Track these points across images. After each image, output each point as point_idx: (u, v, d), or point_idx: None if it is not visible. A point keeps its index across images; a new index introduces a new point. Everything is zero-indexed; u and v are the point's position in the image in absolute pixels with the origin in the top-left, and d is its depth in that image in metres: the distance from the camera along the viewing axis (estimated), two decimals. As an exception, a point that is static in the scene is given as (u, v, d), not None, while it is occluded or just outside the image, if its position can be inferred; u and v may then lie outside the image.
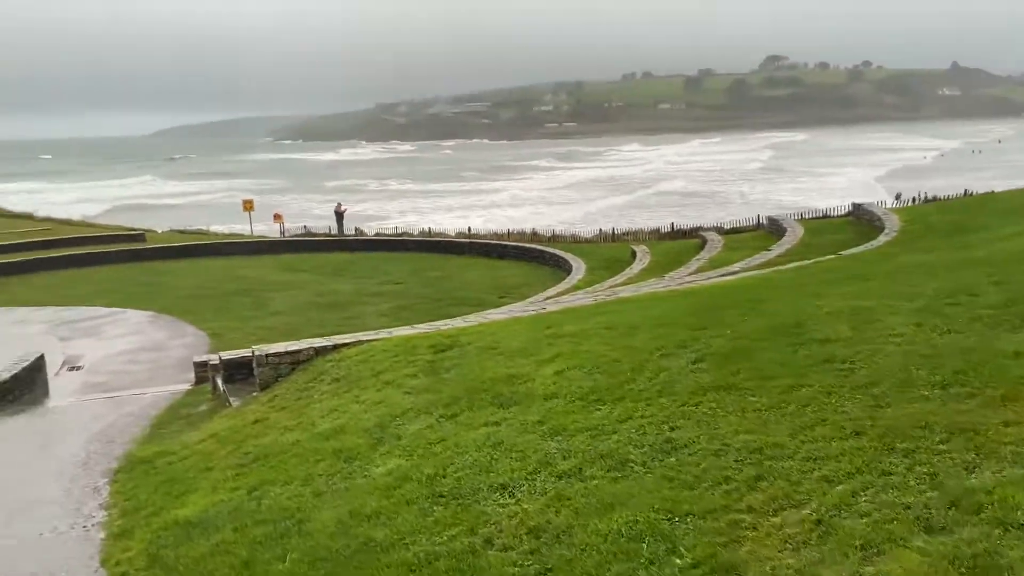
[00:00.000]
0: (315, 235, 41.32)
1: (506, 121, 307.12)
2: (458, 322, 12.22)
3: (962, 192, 30.04)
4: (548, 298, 21.91)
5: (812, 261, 15.33)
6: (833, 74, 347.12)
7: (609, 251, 31.68)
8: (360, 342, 10.90)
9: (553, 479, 4.96)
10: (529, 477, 5.07)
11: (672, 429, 5.25)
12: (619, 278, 22.96)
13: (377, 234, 41.05)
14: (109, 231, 42.28)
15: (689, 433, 5.11)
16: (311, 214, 61.66)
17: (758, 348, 6.67)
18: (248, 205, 41.82)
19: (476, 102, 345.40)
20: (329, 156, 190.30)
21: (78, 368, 17.57)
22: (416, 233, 40.43)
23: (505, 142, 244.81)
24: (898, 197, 33.16)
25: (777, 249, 20.39)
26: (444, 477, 5.43)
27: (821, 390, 5.36)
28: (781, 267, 15.14)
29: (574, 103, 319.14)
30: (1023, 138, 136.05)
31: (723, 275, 16.70)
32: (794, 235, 22.35)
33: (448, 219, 49.07)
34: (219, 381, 12.88)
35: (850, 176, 75.79)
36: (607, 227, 37.41)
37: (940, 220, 19.35)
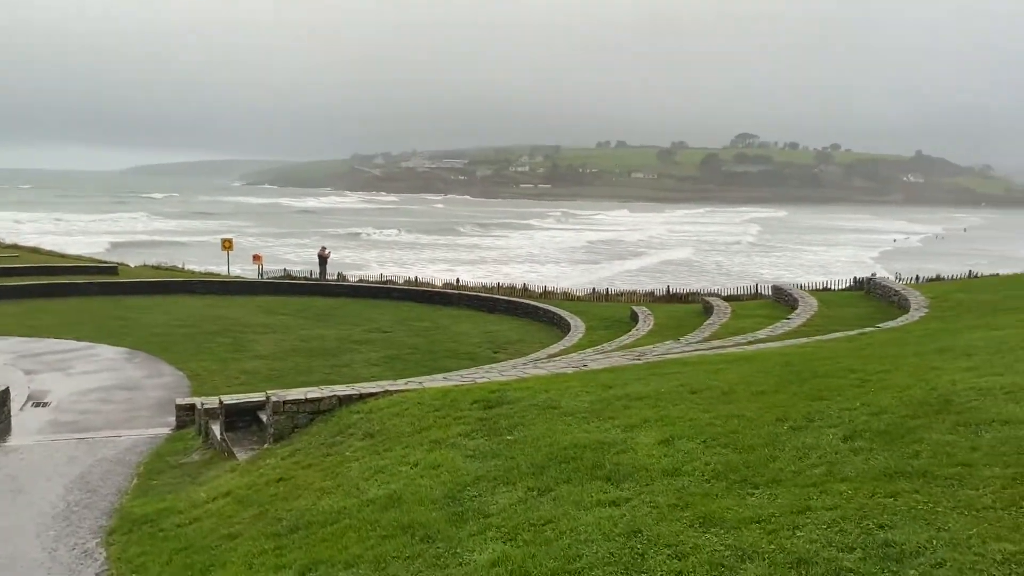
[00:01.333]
0: (295, 278, 39.88)
1: (482, 179, 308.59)
2: (490, 374, 11.00)
3: (966, 273, 29.66)
4: (553, 356, 20.75)
5: (856, 332, 14.38)
6: (802, 154, 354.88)
7: (605, 310, 30.68)
8: (388, 392, 9.64)
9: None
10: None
11: (882, 527, 4.09)
12: (627, 339, 21.88)
13: (360, 281, 39.74)
14: (80, 262, 40.46)
15: (912, 535, 3.94)
16: (285, 258, 60.21)
17: (918, 427, 5.57)
18: (227, 244, 40.36)
19: (453, 159, 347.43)
20: (312, 202, 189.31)
21: (44, 404, 15.98)
22: (401, 282, 39.18)
23: (482, 199, 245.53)
24: (898, 277, 32.77)
25: (797, 319, 19.50)
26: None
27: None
28: (823, 337, 14.16)
29: (550, 166, 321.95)
30: (993, 227, 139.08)
31: (754, 342, 15.71)
32: (809, 305, 21.52)
33: (436, 271, 47.90)
34: (215, 428, 11.51)
35: (844, 254, 75.92)
36: (600, 287, 36.52)
37: (969, 299, 18.62)
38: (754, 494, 4.84)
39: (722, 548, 4.19)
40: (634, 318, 26.98)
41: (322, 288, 37.02)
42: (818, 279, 34.78)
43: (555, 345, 23.94)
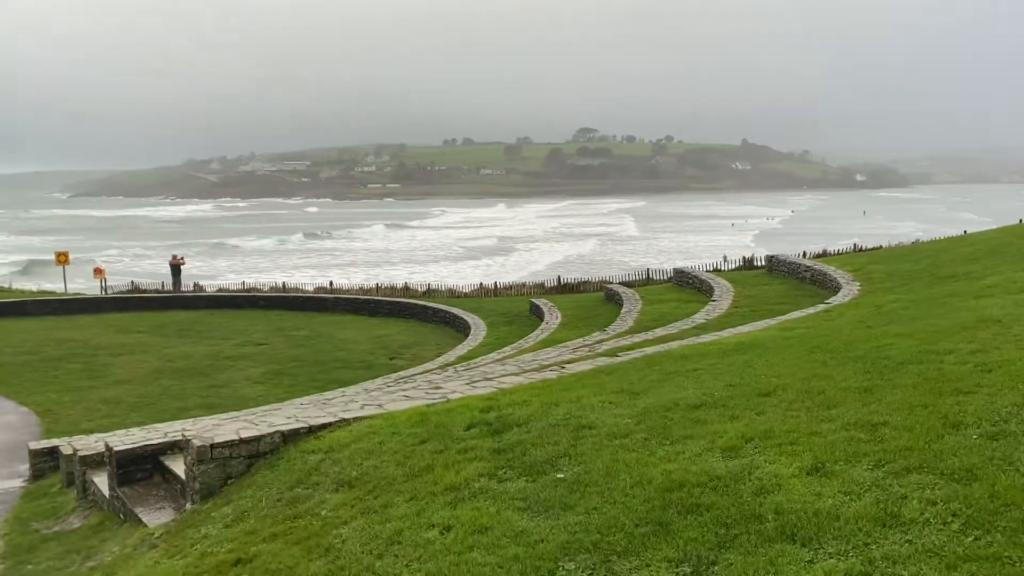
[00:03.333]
0: (145, 292, 35.84)
1: (327, 180, 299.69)
2: (452, 384, 9.01)
3: (846, 248, 30.04)
4: (463, 359, 18.89)
5: (822, 309, 13.36)
6: (639, 146, 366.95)
7: (499, 305, 29.03)
8: (345, 421, 7.51)
9: None
10: None
11: None
12: (540, 333, 20.28)
13: (221, 290, 36.22)
14: None
15: None
16: (130, 271, 54.86)
17: None
18: (63, 258, 35.78)
19: (295, 160, 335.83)
20: (150, 211, 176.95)
21: None
22: (267, 289, 35.97)
23: (338, 201, 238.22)
24: (804, 254, 32.86)
25: (723, 300, 18.50)
26: None
27: None
28: (790, 316, 13.03)
29: (397, 165, 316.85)
30: (826, 207, 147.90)
31: (705, 328, 14.46)
32: (723, 286, 20.65)
33: (304, 277, 44.62)
34: (97, 480, 9.02)
35: (723, 239, 77.13)
36: (487, 282, 34.82)
37: (898, 269, 18.23)
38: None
39: None
40: (535, 311, 25.49)
41: (178, 300, 33.40)
42: (708, 261, 34.54)
43: (461, 346, 22.09)
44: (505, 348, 18.61)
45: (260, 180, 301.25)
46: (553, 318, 22.46)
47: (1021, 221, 25.61)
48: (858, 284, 16.71)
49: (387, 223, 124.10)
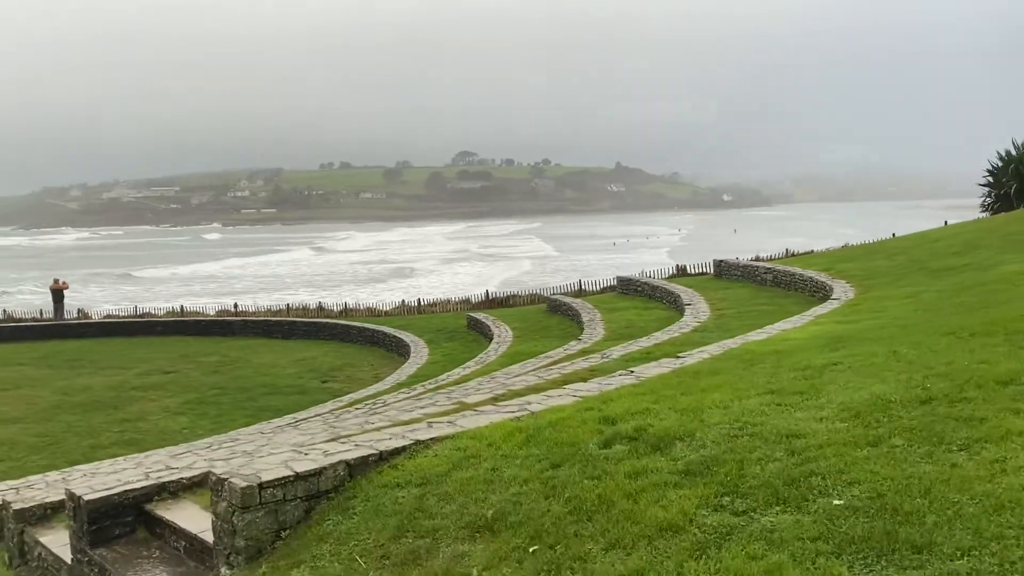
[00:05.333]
0: (21, 320, 31.90)
1: (198, 206, 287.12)
2: (522, 399, 7.31)
3: (781, 253, 29.85)
4: (419, 378, 17.08)
5: (843, 304, 12.35)
6: (519, 170, 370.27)
7: (428, 322, 27.10)
8: (421, 444, 5.72)
9: None
10: None
11: None
12: (499, 348, 18.59)
13: (109, 316, 32.68)
14: None
15: None
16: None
17: None
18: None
19: (163, 186, 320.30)
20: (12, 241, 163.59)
21: None
22: (162, 313, 32.69)
23: (208, 226, 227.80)
24: (756, 257, 32.28)
25: (698, 304, 17.41)
26: None
27: None
28: (800, 320, 11.95)
29: (272, 190, 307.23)
30: (709, 225, 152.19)
31: (708, 335, 13.23)
32: (686, 291, 19.61)
33: (205, 302, 41.13)
34: (46, 542, 6.91)
35: (639, 256, 76.70)
36: (403, 299, 32.85)
37: (871, 267, 17.64)
38: None
39: None
40: (476, 326, 23.81)
41: (62, 329, 29.89)
42: (636, 272, 33.71)
43: (408, 364, 20.24)
44: (469, 363, 16.89)
45: (125, 207, 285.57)
46: (503, 331, 20.84)
47: (946, 223, 25.96)
48: (844, 282, 15.94)
49: (281, 248, 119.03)
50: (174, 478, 6.64)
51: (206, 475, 6.69)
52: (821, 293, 16.27)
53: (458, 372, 15.61)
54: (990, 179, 27.49)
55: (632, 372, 7.96)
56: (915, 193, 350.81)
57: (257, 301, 37.18)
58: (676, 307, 18.76)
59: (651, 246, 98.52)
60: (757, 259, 27.57)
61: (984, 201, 27.83)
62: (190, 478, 6.71)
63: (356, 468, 5.40)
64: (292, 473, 5.13)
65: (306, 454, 5.53)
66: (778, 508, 3.89)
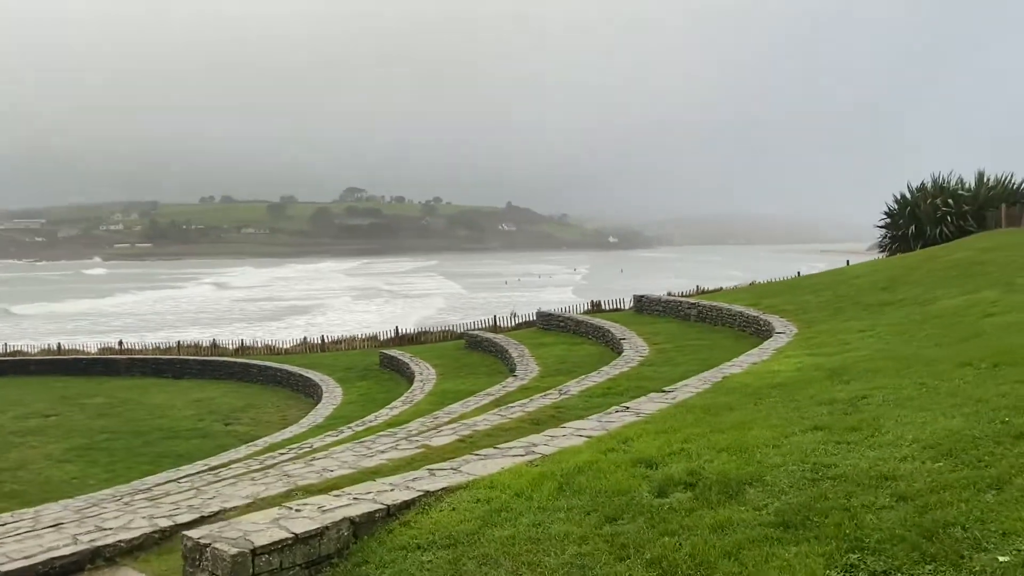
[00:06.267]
0: None
1: (66, 239, 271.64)
2: (535, 440, 6.50)
3: (691, 290, 30.08)
4: (338, 420, 15.94)
5: (794, 338, 12.10)
6: (409, 207, 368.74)
7: (336, 360, 25.75)
8: (432, 495, 4.85)
9: None
10: None
11: None
12: (425, 384, 17.61)
13: (-28, 355, 29.66)
14: None
15: None
16: None
17: None
18: None
19: (27, 219, 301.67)
20: None
21: None
22: (36, 352, 29.96)
23: (98, 259, 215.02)
24: (669, 293, 32.33)
25: (636, 339, 16.99)
26: None
27: None
28: (762, 356, 11.64)
29: (148, 223, 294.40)
30: (607, 266, 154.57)
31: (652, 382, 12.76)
32: (614, 327, 19.22)
33: (86, 339, 38.07)
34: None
35: (544, 295, 76.20)
36: (304, 336, 31.27)
37: (799, 301, 17.69)
38: None
39: None
40: (389, 363, 22.70)
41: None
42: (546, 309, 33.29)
43: (321, 405, 18.92)
44: (395, 403, 15.83)
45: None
46: (424, 369, 19.85)
47: (848, 263, 26.76)
48: (778, 317, 15.83)
49: (161, 285, 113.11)
50: (110, 541, 5.48)
51: (148, 536, 5.64)
52: (754, 327, 16.14)
53: (386, 413, 14.56)
54: (888, 220, 28.62)
55: (628, 408, 7.29)
56: (788, 238, 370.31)
57: (144, 339, 34.67)
58: (606, 342, 18.33)
59: (555, 284, 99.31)
60: (670, 294, 27.63)
61: (882, 242, 28.91)
62: (129, 540, 5.57)
63: (361, 527, 4.47)
64: (290, 535, 4.17)
65: (298, 510, 4.56)
66: (929, 568, 3.26)
